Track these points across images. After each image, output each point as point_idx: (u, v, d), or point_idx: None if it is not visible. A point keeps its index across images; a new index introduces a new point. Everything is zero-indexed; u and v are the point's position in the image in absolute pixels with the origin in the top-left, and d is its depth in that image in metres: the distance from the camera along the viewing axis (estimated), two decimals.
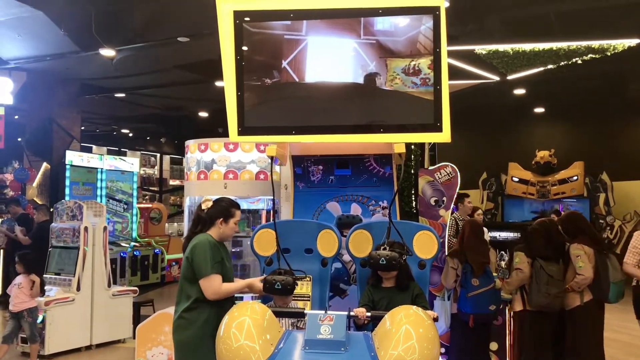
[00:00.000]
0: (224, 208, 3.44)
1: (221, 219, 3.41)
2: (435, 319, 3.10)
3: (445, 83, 3.40)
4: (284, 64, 3.48)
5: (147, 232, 13.21)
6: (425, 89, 3.38)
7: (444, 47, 3.39)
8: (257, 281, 3.42)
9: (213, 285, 3.23)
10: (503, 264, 6.20)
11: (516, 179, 12.28)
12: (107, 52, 9.98)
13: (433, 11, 3.37)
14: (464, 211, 6.61)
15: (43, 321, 6.42)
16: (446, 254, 4.95)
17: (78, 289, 6.76)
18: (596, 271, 4.67)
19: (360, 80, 3.44)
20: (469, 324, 4.63)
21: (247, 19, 3.50)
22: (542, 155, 12.00)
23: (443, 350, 4.72)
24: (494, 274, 4.69)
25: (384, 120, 3.47)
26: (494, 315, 4.66)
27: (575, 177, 11.73)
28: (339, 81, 3.50)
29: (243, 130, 3.60)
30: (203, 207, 3.48)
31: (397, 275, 3.47)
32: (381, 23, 3.44)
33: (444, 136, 3.42)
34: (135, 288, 7.73)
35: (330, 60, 3.53)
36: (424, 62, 3.36)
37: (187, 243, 3.49)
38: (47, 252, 7.12)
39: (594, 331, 4.79)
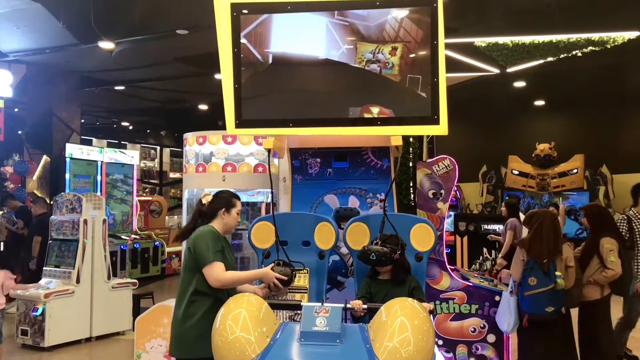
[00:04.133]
0: (225, 199, 3.50)
1: (223, 209, 3.45)
2: (431, 312, 3.11)
3: (443, 75, 3.38)
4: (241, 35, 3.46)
5: (147, 225, 13.24)
6: (384, 72, 3.41)
7: (442, 39, 3.38)
8: (269, 270, 3.40)
9: (214, 273, 3.21)
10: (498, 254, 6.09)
11: (516, 172, 12.29)
12: (106, 45, 9.97)
13: (430, 3, 3.35)
14: None
15: (43, 313, 6.45)
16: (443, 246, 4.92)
17: (78, 281, 6.78)
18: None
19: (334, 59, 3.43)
20: (537, 324, 4.40)
21: (244, 11, 3.48)
22: (542, 148, 12.00)
23: (440, 342, 4.72)
24: (557, 273, 4.36)
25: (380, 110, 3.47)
26: (555, 317, 4.37)
27: (575, 170, 11.73)
28: (315, 57, 3.46)
29: (240, 122, 3.59)
30: (204, 201, 3.52)
31: (393, 269, 3.48)
32: None
33: (441, 129, 3.41)
34: (135, 280, 7.76)
35: (298, 35, 3.51)
36: (387, 49, 3.39)
37: (183, 236, 3.52)
38: (46, 245, 7.15)
39: (608, 324, 4.84)
